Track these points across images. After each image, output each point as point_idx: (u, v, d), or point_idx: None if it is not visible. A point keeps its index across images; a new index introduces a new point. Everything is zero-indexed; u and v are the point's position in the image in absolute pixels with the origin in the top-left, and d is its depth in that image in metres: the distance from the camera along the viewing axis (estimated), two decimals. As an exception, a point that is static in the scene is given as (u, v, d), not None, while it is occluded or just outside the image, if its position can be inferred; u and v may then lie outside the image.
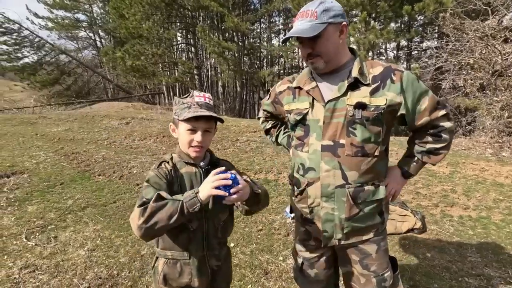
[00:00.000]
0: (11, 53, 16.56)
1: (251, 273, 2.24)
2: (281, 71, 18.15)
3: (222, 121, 1.14)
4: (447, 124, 1.16)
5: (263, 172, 4.03)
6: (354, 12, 10.87)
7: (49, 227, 2.84)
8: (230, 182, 0.93)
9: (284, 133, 1.55)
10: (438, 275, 2.18)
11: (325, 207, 1.17)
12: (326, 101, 1.13)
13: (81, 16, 20.88)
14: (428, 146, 1.20)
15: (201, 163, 1.14)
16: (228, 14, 13.67)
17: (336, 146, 1.12)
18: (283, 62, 20.00)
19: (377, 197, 1.16)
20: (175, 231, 1.07)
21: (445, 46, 6.78)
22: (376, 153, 1.13)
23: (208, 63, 18.16)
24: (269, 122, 1.59)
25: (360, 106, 1.08)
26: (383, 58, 14.22)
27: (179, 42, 18.52)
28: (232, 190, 0.94)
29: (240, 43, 16.80)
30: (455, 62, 6.59)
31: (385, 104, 1.08)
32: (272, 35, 20.25)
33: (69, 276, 2.17)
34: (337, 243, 1.23)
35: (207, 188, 0.93)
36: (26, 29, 16.84)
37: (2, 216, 3.04)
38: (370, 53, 10.77)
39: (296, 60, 18.70)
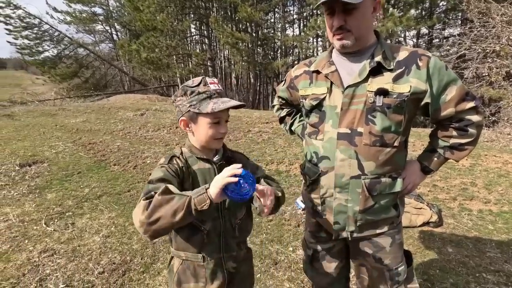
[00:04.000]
0: (33, 47, 17.08)
1: (260, 262, 2.25)
2: (295, 62, 17.81)
3: (244, 106, 1.06)
4: (475, 118, 1.05)
5: (274, 163, 4.00)
6: None
7: (67, 214, 2.95)
8: (236, 179, 0.82)
9: (300, 121, 1.47)
10: (454, 270, 2.10)
11: (338, 198, 1.12)
12: (345, 86, 1.06)
13: (98, 10, 21.25)
14: (452, 140, 1.10)
15: (215, 158, 1.07)
16: (241, 4, 13.50)
17: (353, 135, 1.06)
18: (297, 53, 19.65)
19: (393, 190, 1.10)
20: (188, 232, 1.00)
21: (468, 33, 6.41)
22: (395, 144, 1.06)
23: (222, 54, 18.10)
24: (284, 109, 1.51)
25: (382, 92, 1.01)
26: (402, 46, 13.64)
27: (192, 34, 18.52)
28: (265, 204, 0.88)
29: (254, 34, 16.60)
30: (480, 50, 6.24)
31: (409, 92, 1.00)
32: (286, 25, 19.86)
33: (85, 260, 2.25)
34: (349, 236, 1.17)
35: (219, 184, 0.81)
36: (46, 23, 17.29)
37: (24, 202, 3.18)
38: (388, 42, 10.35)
39: (311, 51, 18.32)
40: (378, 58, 1.02)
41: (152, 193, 0.86)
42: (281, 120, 1.56)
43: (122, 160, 4.34)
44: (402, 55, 1.04)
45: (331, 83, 1.09)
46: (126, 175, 3.88)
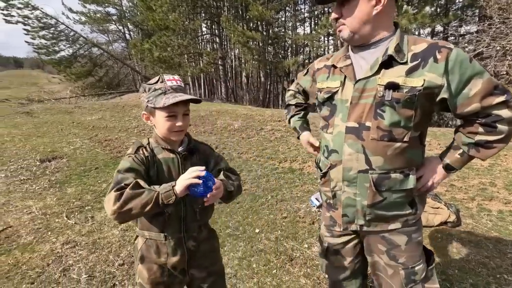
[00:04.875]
0: (49, 47, 17.49)
1: (276, 258, 2.26)
2: (306, 61, 17.71)
3: (200, 101, 1.14)
4: (505, 113, 0.96)
5: (287, 161, 4.01)
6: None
7: (86, 207, 3.04)
8: (202, 178, 0.97)
9: (300, 118, 1.48)
10: (473, 271, 2.07)
11: (347, 191, 1.12)
12: (356, 79, 1.05)
13: (111, 10, 21.66)
14: (478, 137, 1.02)
15: (179, 148, 1.15)
16: (252, 2, 13.50)
17: (361, 129, 1.04)
18: (308, 51, 19.54)
19: (405, 187, 1.07)
20: (151, 214, 1.09)
21: (487, 30, 6.24)
22: (405, 139, 1.02)
23: (232, 53, 18.16)
24: (296, 98, 1.50)
25: (392, 86, 0.98)
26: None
27: (203, 33, 18.65)
28: (208, 195, 0.99)
29: (265, 33, 16.59)
30: (499, 47, 6.06)
31: (422, 86, 0.96)
32: (297, 24, 19.75)
33: (105, 252, 2.32)
34: (358, 228, 1.17)
35: (184, 183, 0.95)
36: (62, 23, 17.67)
37: (45, 196, 3.30)
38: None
39: (322, 49, 18.17)
40: (390, 50, 0.99)
41: (123, 184, 0.96)
42: (287, 106, 1.55)
43: (138, 156, 4.42)
44: (419, 47, 0.99)
45: (345, 76, 1.10)
46: (142, 171, 3.95)
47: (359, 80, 1.05)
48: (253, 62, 15.11)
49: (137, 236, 1.21)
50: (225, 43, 18.06)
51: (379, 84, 1.00)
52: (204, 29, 18.54)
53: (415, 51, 1.00)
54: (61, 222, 2.77)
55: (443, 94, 0.98)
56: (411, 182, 1.07)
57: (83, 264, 2.19)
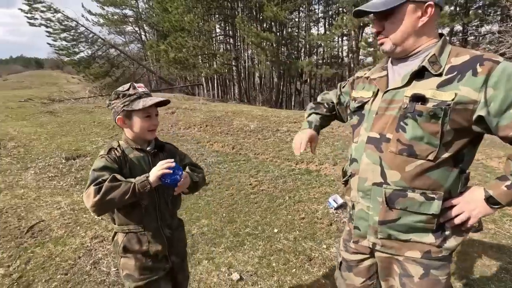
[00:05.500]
0: (69, 48, 18.14)
1: (295, 258, 2.31)
2: (320, 61, 17.62)
3: (169, 102, 1.30)
4: None
5: (304, 163, 4.04)
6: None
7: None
8: (172, 169, 1.14)
9: (316, 116, 1.37)
10: (496, 276, 2.05)
11: (361, 203, 1.08)
12: (386, 90, 1.03)
13: (128, 12, 22.24)
14: None
15: (148, 148, 1.29)
16: (267, 3, 13.56)
17: (381, 140, 1.00)
18: (321, 52, 19.43)
19: (426, 211, 0.96)
20: (128, 209, 1.21)
21: (510, 30, 6.06)
22: (430, 157, 0.93)
23: (246, 54, 18.27)
24: (329, 97, 1.43)
25: (417, 98, 0.92)
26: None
27: (217, 34, 18.84)
28: (178, 184, 1.17)
29: (278, 33, 16.61)
30: (522, 48, 5.88)
31: (452, 100, 0.87)
32: (311, 24, 19.67)
33: (132, 247, 2.43)
34: (371, 246, 1.11)
35: (157, 173, 1.11)
36: (82, 25, 18.30)
37: (72, 192, 3.46)
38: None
39: (336, 50, 18.02)
40: (424, 61, 0.94)
41: (100, 179, 1.09)
42: (317, 104, 1.44)
43: (157, 156, 4.56)
44: (460, 59, 0.91)
45: (378, 88, 1.08)
46: (162, 170, 4.08)
47: (388, 90, 1.03)
48: (267, 63, 15.14)
49: (115, 233, 1.31)
50: (239, 43, 18.20)
51: (405, 96, 0.96)
52: (217, 29, 18.73)
53: (454, 63, 0.92)
54: (88, 217, 2.91)
55: (480, 112, 0.87)
56: (434, 207, 0.96)
57: (111, 258, 2.30)
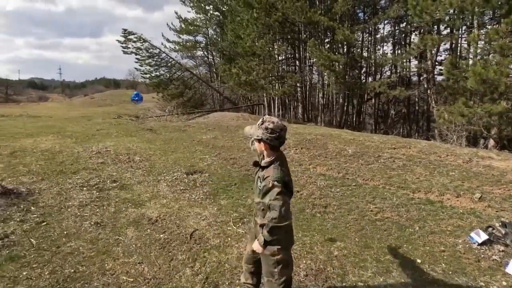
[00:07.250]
0: (152, 72, 20.75)
1: (455, 292, 2.32)
2: (390, 81, 17.05)
3: None
4: None
5: (422, 192, 3.98)
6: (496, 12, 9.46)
7: (244, 219, 3.54)
8: None
9: None
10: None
11: None
12: None
13: (199, 38, 24.81)
14: None
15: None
16: (337, 27, 13.85)
17: None
18: (387, 72, 18.88)
19: None
20: None
21: None
22: None
23: (310, 75, 18.65)
24: None
25: None
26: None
27: (287, 56, 19.71)
28: None
29: (345, 55, 16.67)
30: None
31: None
32: (378, 45, 19.32)
33: (286, 262, 2.69)
34: None
35: None
36: (164, 52, 20.87)
37: (206, 206, 3.94)
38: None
39: (407, 70, 17.29)
40: None
41: None
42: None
43: (264, 175, 4.92)
44: None
45: None
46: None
47: None
48: (335, 84, 15.25)
49: None
50: (303, 65, 18.70)
51: None
52: (283, 53, 19.58)
53: None
54: (232, 230, 3.29)
55: None
56: None
57: (273, 270, 2.58)
